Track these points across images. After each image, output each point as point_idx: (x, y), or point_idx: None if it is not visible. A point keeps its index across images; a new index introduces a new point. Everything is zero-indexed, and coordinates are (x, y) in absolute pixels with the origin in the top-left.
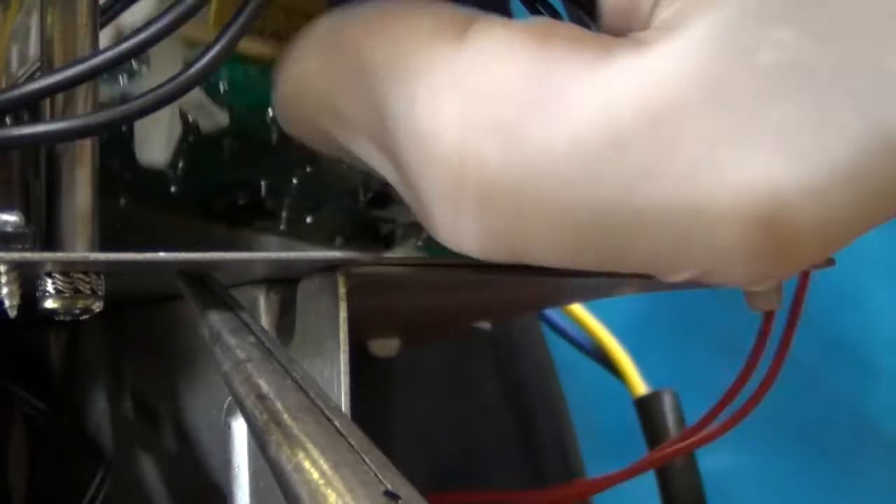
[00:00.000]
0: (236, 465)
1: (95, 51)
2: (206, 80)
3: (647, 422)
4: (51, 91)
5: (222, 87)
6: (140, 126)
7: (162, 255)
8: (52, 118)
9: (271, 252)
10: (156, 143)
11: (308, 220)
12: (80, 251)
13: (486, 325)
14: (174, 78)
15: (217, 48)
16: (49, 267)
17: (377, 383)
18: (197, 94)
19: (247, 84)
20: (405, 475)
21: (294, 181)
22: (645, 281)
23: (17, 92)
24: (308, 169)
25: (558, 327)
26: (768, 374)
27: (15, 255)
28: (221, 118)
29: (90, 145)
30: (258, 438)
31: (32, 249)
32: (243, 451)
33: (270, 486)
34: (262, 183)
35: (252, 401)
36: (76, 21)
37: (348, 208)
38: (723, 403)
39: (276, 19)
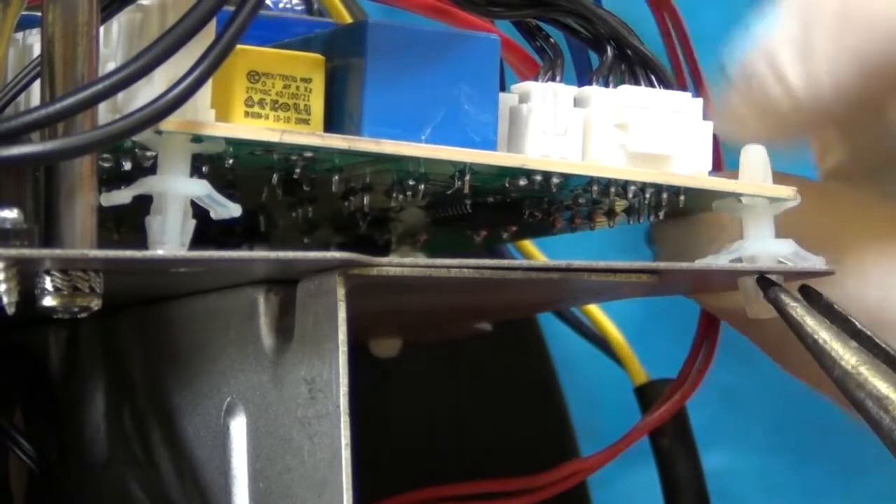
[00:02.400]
0: (235, 467)
1: (95, 78)
2: (188, 98)
3: (647, 409)
4: (51, 121)
5: (228, 163)
6: (154, 226)
7: (160, 253)
8: (51, 137)
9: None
10: (170, 241)
11: (305, 240)
12: (79, 249)
13: (487, 325)
14: (163, 96)
15: (199, 69)
16: (48, 264)
17: (377, 383)
18: (207, 189)
19: (252, 160)
20: None
21: (294, 215)
22: (645, 285)
23: (15, 122)
24: (310, 207)
25: (561, 314)
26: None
27: (13, 252)
28: (233, 209)
29: None
30: (885, 439)
31: (31, 246)
32: (242, 451)
33: (270, 488)
34: (261, 217)
35: (871, 404)
36: (77, 19)
37: (344, 228)
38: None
39: (275, 88)
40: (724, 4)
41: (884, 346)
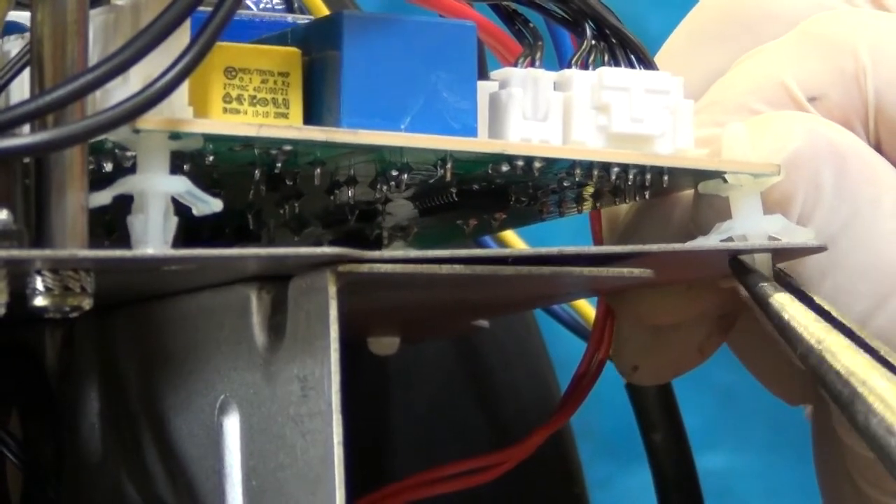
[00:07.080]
0: (229, 465)
1: (85, 68)
2: (184, 80)
3: (637, 404)
4: (41, 112)
5: (208, 160)
6: (136, 225)
7: (150, 252)
8: (40, 128)
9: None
10: (152, 240)
11: (296, 238)
12: (70, 249)
13: (484, 322)
14: (157, 80)
15: (189, 54)
16: (38, 264)
17: (374, 382)
18: (187, 185)
19: (232, 155)
20: None
21: (282, 212)
22: (639, 280)
23: (4, 115)
24: (296, 203)
25: (554, 312)
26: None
27: (2, 253)
28: (214, 205)
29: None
30: (845, 410)
31: (21, 247)
32: (236, 449)
33: (263, 486)
34: (249, 216)
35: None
36: (66, 17)
37: (334, 224)
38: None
39: (252, 84)
40: None
41: (842, 321)
